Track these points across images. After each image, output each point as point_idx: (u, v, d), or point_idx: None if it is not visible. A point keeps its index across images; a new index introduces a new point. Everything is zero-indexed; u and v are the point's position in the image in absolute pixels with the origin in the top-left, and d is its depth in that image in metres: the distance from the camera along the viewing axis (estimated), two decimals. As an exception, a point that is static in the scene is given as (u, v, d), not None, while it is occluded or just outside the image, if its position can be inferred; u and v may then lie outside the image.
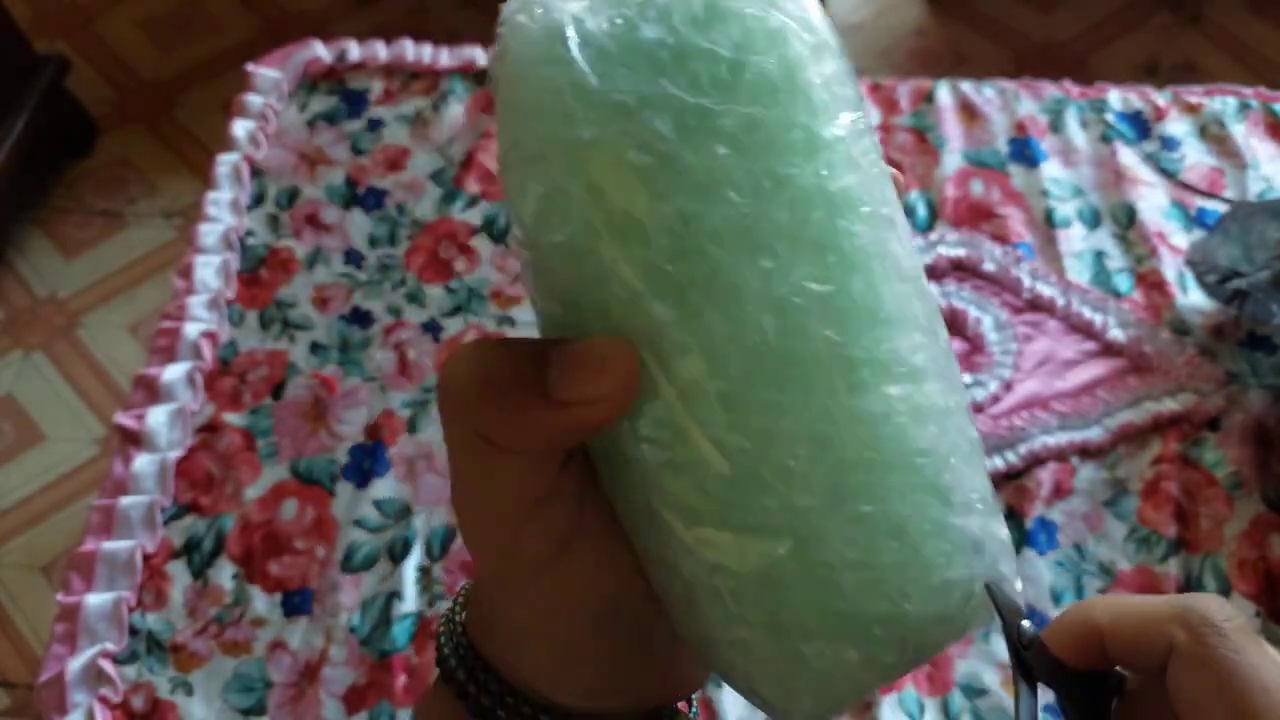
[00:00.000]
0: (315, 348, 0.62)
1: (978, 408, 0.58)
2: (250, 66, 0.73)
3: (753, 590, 0.19)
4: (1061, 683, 0.23)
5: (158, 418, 0.57)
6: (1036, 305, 0.61)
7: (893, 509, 0.19)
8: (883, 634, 0.19)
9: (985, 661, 0.51)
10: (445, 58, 0.74)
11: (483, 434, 0.18)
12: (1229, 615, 0.21)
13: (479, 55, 0.74)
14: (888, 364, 0.19)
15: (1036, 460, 0.56)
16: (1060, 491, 0.55)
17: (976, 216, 0.65)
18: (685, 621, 0.21)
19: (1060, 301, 0.61)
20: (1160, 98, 0.71)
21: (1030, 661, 0.23)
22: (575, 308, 0.19)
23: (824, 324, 0.18)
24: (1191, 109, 0.70)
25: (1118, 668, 0.23)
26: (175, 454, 0.57)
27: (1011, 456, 0.56)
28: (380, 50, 0.74)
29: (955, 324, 0.61)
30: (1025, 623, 0.22)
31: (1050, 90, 0.72)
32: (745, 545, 0.19)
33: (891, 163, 0.69)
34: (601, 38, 0.17)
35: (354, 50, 0.74)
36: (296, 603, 0.53)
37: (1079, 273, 0.63)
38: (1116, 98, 0.71)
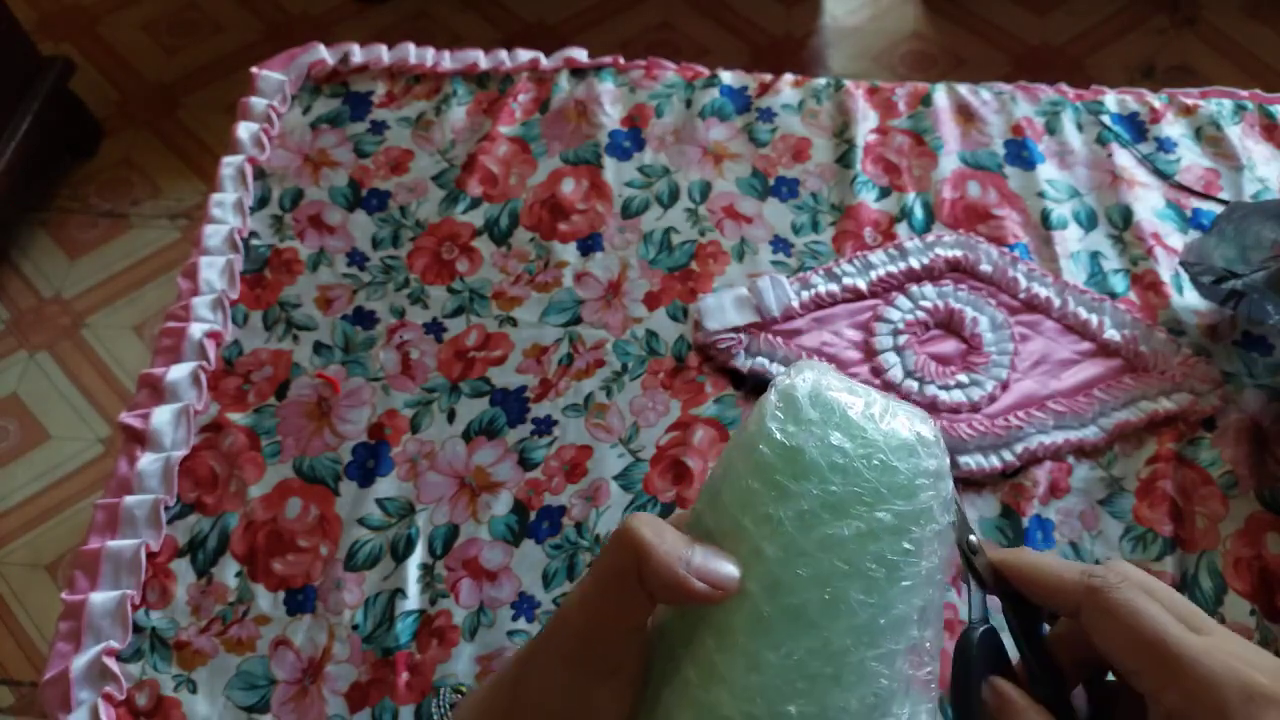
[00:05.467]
0: (319, 348, 0.62)
1: (974, 407, 0.58)
2: (254, 69, 0.73)
3: None
4: (1004, 593, 0.33)
5: (162, 417, 0.58)
6: (1033, 306, 0.62)
7: None
8: None
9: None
10: (447, 61, 0.74)
11: (637, 572, 0.28)
12: (1123, 575, 0.31)
13: (480, 58, 0.74)
14: (879, 672, 0.29)
15: (1033, 459, 0.56)
16: (1056, 490, 0.56)
17: (973, 218, 0.66)
18: None
19: (1056, 302, 0.61)
20: (1156, 100, 0.71)
21: (978, 567, 0.33)
22: (724, 531, 0.30)
23: (849, 630, 0.29)
24: (1187, 111, 0.71)
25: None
26: (179, 453, 0.58)
27: (1008, 455, 0.56)
28: (383, 53, 0.74)
29: (952, 324, 0.61)
30: (972, 537, 0.33)
31: (1047, 93, 0.72)
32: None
33: (888, 166, 0.68)
34: (830, 395, 0.30)
35: (357, 53, 0.74)
36: (299, 600, 0.54)
37: (1075, 273, 0.63)
38: (1113, 100, 0.72)
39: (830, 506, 0.29)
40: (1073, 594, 0.31)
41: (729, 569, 0.29)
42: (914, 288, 0.62)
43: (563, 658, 0.30)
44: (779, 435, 0.30)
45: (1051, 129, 0.70)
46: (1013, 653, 0.33)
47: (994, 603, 0.34)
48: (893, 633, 0.29)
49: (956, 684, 0.32)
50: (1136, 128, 0.70)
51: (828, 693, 0.28)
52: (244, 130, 0.70)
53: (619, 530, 0.29)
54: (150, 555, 0.55)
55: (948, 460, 0.31)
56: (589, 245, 0.66)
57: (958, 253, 0.63)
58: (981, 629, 0.33)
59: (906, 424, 0.30)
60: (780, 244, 0.65)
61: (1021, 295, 0.62)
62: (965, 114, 0.71)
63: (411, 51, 0.74)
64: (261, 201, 0.69)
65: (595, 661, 0.29)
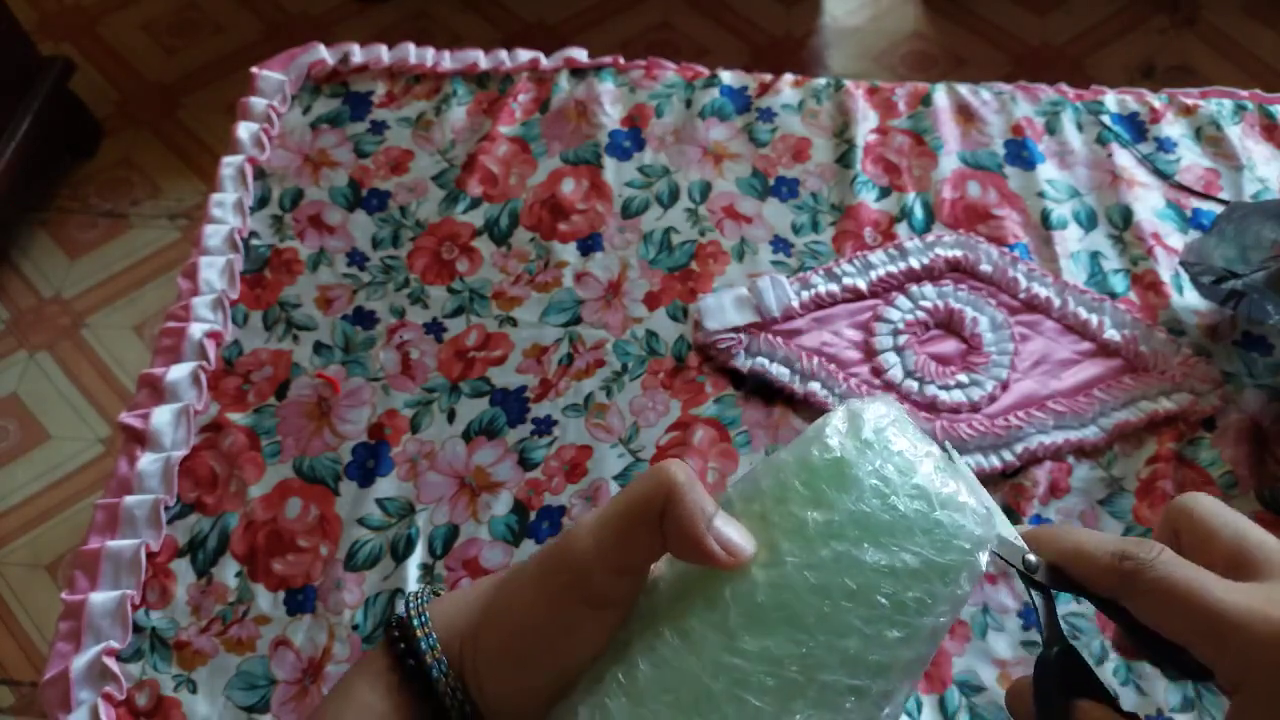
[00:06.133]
0: (319, 348, 0.62)
1: (974, 407, 0.58)
2: (254, 69, 0.73)
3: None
4: (1075, 586, 0.32)
5: (162, 417, 0.58)
6: (1033, 306, 0.62)
7: None
8: None
9: (982, 659, 0.51)
10: (447, 61, 0.75)
11: (662, 514, 0.28)
12: (1153, 551, 0.29)
13: (480, 58, 0.74)
14: (847, 703, 0.28)
15: (1033, 459, 0.56)
16: (1056, 490, 0.56)
17: (973, 218, 0.66)
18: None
19: (1056, 302, 0.61)
20: (1156, 100, 0.71)
21: (1043, 580, 0.32)
22: (750, 515, 0.30)
23: (835, 649, 0.28)
24: (1187, 111, 0.71)
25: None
26: (179, 453, 0.58)
27: (1008, 455, 0.56)
28: (383, 53, 0.74)
29: (952, 324, 0.62)
30: (1030, 556, 0.33)
31: (1047, 93, 0.72)
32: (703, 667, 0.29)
33: (888, 166, 0.68)
34: (894, 431, 0.30)
35: (357, 53, 0.74)
36: (299, 600, 0.54)
37: (1075, 273, 0.63)
38: (1113, 100, 0.72)
39: (859, 525, 0.29)
40: (1108, 580, 0.30)
41: (747, 540, 0.29)
42: (914, 288, 0.62)
43: (560, 580, 0.29)
44: (833, 443, 0.30)
45: (1051, 129, 0.70)
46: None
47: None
48: (876, 671, 0.28)
49: (1042, 709, 0.31)
50: (1136, 128, 0.70)
51: (792, 700, 0.28)
52: (244, 130, 0.70)
53: (654, 469, 0.29)
54: (150, 555, 0.55)
55: (993, 537, 0.30)
56: (589, 245, 0.66)
57: (958, 253, 0.63)
58: (1057, 649, 0.32)
59: (963, 487, 0.30)
60: (780, 244, 0.65)
61: (1021, 295, 0.62)
62: (965, 114, 0.71)
63: (411, 51, 0.74)
64: (261, 201, 0.69)
65: (590, 591, 0.29)
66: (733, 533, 0.29)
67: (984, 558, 0.30)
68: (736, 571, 0.29)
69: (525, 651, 0.30)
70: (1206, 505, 0.31)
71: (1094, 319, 0.61)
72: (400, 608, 0.32)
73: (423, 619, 0.31)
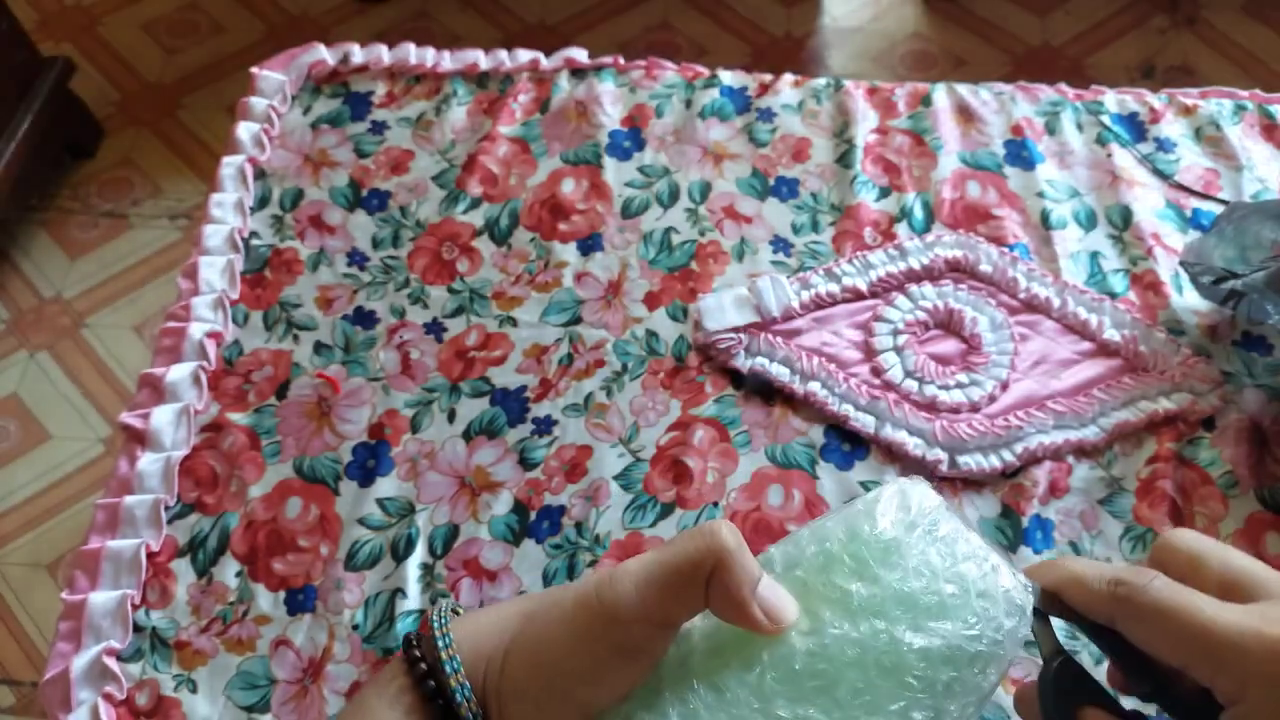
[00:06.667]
0: (319, 348, 0.62)
1: (974, 407, 0.58)
2: (254, 69, 0.73)
3: None
4: (1071, 614, 0.33)
5: (162, 417, 0.58)
6: (1033, 306, 0.62)
7: None
8: None
9: (982, 659, 0.51)
10: (447, 61, 0.75)
11: (711, 576, 0.29)
12: (1147, 577, 0.31)
13: (480, 58, 0.74)
14: None
15: (1033, 459, 0.56)
16: (1056, 490, 0.56)
17: (973, 218, 0.66)
18: None
19: (1056, 302, 0.61)
20: (1156, 100, 0.72)
21: (1038, 603, 0.33)
22: (792, 580, 0.32)
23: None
24: (1187, 111, 0.71)
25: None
26: (180, 453, 0.58)
27: (1008, 455, 0.56)
28: (383, 53, 0.74)
29: (952, 324, 0.62)
30: (1021, 577, 0.33)
31: (1046, 93, 0.72)
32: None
33: (888, 166, 0.68)
34: (943, 517, 0.32)
35: (357, 53, 0.74)
36: (300, 600, 0.54)
37: (1075, 273, 0.63)
38: (1113, 100, 0.72)
39: (902, 604, 0.30)
40: (1104, 607, 0.31)
41: (791, 608, 0.29)
42: (914, 288, 0.62)
43: (597, 626, 0.30)
44: (883, 522, 0.31)
45: (1051, 129, 0.70)
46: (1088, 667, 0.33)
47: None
48: None
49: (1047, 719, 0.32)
50: (1136, 128, 0.70)
51: None
52: (244, 130, 0.70)
53: (705, 529, 0.30)
54: (150, 555, 0.55)
55: (1025, 633, 0.31)
56: (589, 245, 0.66)
57: (958, 253, 0.63)
58: (1057, 662, 0.32)
59: (1006, 579, 0.31)
60: (780, 244, 0.66)
61: (1021, 295, 0.62)
62: (965, 114, 0.71)
63: (411, 51, 0.74)
64: (262, 201, 0.69)
65: (626, 642, 0.29)
66: (777, 600, 0.29)
67: (1014, 650, 0.30)
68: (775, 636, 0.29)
69: (553, 689, 0.30)
70: (1190, 539, 0.32)
71: (1094, 319, 0.61)
72: (413, 622, 0.33)
73: (447, 640, 0.31)
